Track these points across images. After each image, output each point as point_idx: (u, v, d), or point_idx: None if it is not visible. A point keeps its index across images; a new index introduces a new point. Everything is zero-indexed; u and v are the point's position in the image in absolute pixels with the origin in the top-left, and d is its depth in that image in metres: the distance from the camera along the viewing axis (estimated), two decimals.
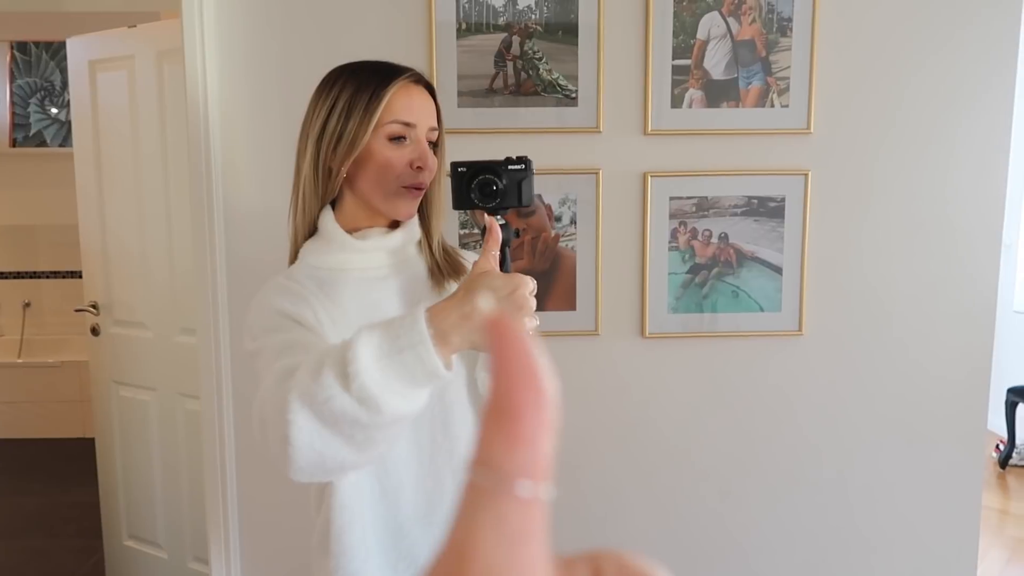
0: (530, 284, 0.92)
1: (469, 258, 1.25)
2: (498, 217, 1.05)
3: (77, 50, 2.58)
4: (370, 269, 1.14)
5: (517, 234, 1.24)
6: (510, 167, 1.04)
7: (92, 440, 2.81)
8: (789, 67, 1.91)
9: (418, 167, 1.10)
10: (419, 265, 1.18)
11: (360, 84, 1.08)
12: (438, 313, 0.84)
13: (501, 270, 1.02)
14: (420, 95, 1.12)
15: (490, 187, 1.03)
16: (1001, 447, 4.14)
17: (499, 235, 0.98)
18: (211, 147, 1.94)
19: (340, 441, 0.84)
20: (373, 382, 0.79)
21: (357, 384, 0.79)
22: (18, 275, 4.78)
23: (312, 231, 1.15)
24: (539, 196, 1.91)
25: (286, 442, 0.84)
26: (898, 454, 2.06)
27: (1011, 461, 4.09)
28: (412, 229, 1.17)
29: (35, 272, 4.77)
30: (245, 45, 1.92)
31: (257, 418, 0.93)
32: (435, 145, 1.15)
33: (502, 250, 1.03)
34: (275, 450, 0.87)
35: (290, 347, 0.97)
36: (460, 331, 0.83)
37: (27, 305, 4.78)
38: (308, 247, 1.14)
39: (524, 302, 0.90)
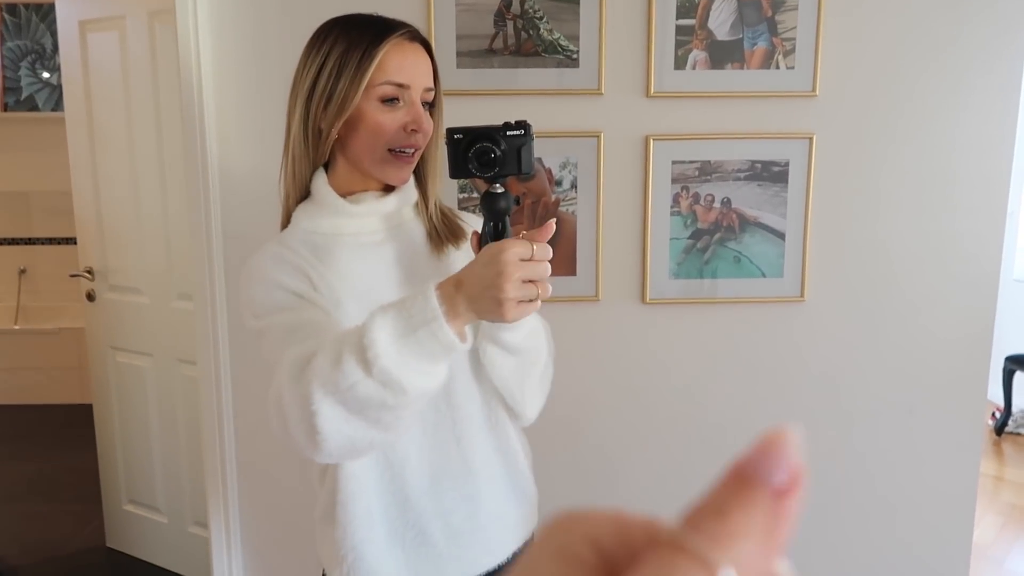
0: (548, 252, 0.89)
1: (468, 220, 1.22)
2: (497, 185, 1.01)
3: (66, 10, 2.52)
4: (364, 234, 1.11)
5: (518, 202, 1.21)
6: (508, 133, 1.00)
7: (90, 406, 2.81)
8: (795, 27, 1.87)
9: (412, 130, 1.06)
10: (416, 229, 1.15)
11: (352, 41, 1.04)
12: (449, 289, 0.85)
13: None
14: (415, 53, 1.07)
15: (488, 155, 0.99)
16: (997, 415, 4.16)
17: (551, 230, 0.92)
18: (204, 108, 1.90)
19: (367, 424, 0.87)
20: (393, 364, 0.81)
21: (378, 368, 0.81)
22: (13, 241, 4.75)
23: (305, 194, 1.12)
24: (539, 160, 1.88)
25: (314, 432, 0.86)
26: (898, 421, 2.06)
27: (1007, 429, 4.12)
28: (408, 192, 1.14)
29: (30, 238, 4.74)
30: (238, 3, 1.87)
31: (275, 407, 0.93)
32: (432, 106, 1.11)
33: (502, 221, 1.00)
34: (302, 440, 0.89)
35: (299, 328, 0.97)
36: (472, 305, 0.85)
37: (23, 272, 4.75)
38: (301, 211, 1.11)
39: (544, 272, 0.88)
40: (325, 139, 1.07)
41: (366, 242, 1.11)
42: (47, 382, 4.51)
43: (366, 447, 0.92)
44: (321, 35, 1.07)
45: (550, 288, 0.90)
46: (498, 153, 0.99)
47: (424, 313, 0.83)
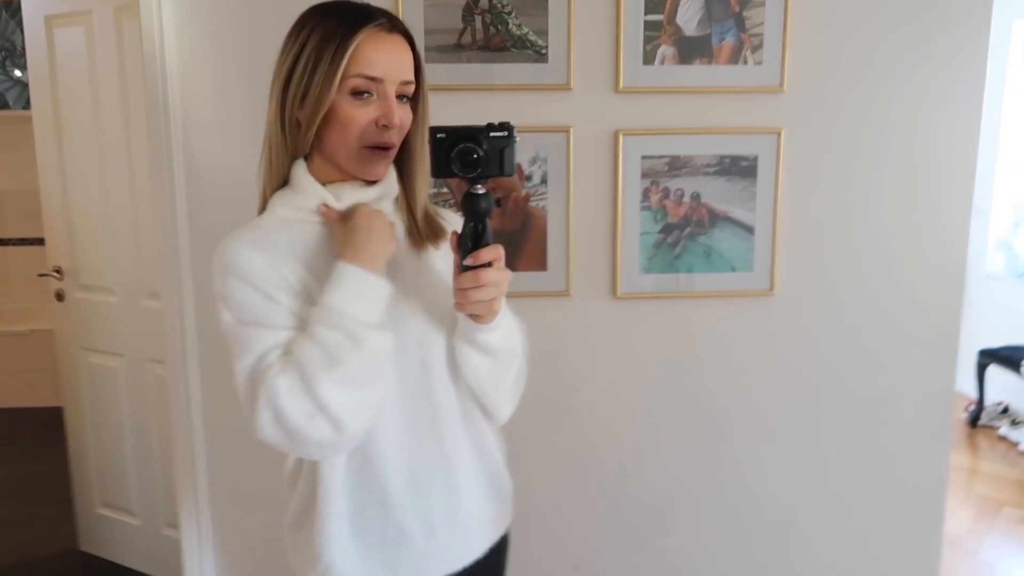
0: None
1: (449, 219, 1.20)
2: (478, 187, 1.00)
3: (33, 4, 2.49)
4: None
5: (498, 203, 1.20)
6: (492, 134, 0.99)
7: (62, 409, 2.77)
8: (763, 23, 1.88)
9: (383, 126, 1.03)
10: (396, 223, 1.12)
11: (326, 32, 1.01)
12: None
13: (481, 243, 1.00)
14: (391, 45, 1.03)
15: (471, 155, 0.98)
16: (971, 408, 4.21)
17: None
18: (170, 104, 1.88)
19: (364, 377, 0.99)
20: (338, 303, 0.98)
21: (332, 312, 0.98)
22: None
23: (282, 184, 1.09)
24: None
25: (334, 421, 0.97)
26: (868, 413, 2.07)
27: (980, 421, 4.17)
28: (389, 185, 1.11)
29: (2, 239, 4.68)
30: None
31: (273, 425, 0.98)
32: (415, 99, 1.08)
33: (482, 222, 1.00)
34: (325, 436, 0.98)
35: (269, 343, 1.00)
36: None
37: None
38: (278, 197, 1.08)
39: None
40: (304, 132, 1.04)
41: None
42: (20, 385, 4.45)
43: (375, 407, 1.03)
44: (299, 24, 1.05)
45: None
46: (481, 154, 0.99)
47: (339, 270, 1.00)
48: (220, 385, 2.02)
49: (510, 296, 1.09)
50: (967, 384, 4.18)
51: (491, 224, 1.01)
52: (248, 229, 1.06)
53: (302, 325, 1.01)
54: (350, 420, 0.98)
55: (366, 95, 1.03)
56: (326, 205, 1.07)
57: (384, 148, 1.05)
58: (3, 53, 4.49)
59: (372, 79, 1.02)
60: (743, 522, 2.11)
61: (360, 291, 0.99)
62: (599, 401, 2.04)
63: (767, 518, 2.11)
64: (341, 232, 1.04)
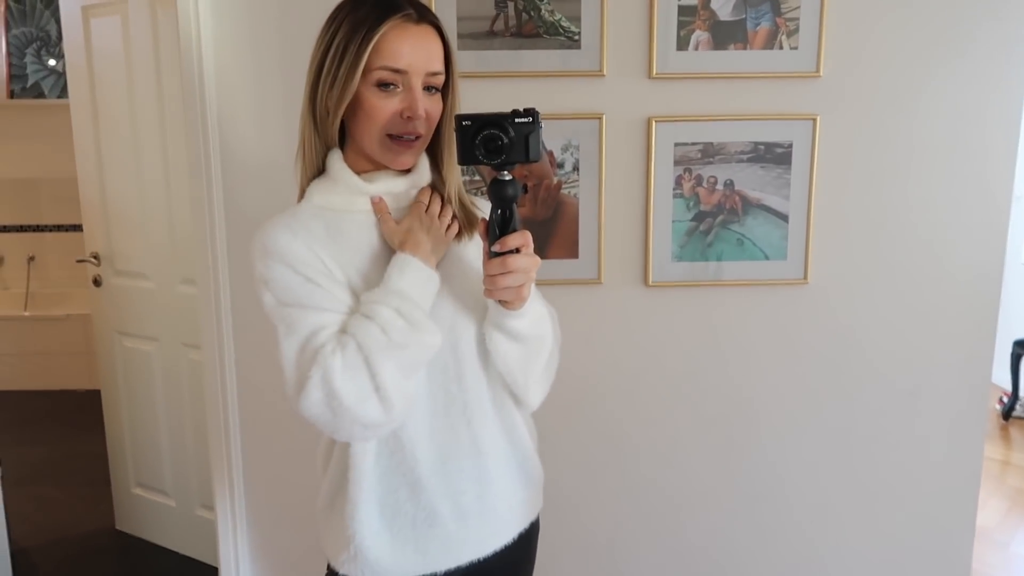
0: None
1: (484, 208, 1.20)
2: (504, 173, 1.01)
3: None
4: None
5: (525, 189, 1.21)
6: (517, 120, 1.00)
7: (99, 391, 2.83)
8: (799, 7, 1.85)
9: (408, 117, 1.04)
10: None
11: (355, 23, 1.02)
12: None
13: (508, 229, 1.01)
14: (417, 37, 1.04)
15: (495, 142, 1.00)
16: (1005, 399, 4.14)
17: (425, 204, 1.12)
18: (206, 92, 1.90)
19: (409, 353, 1.03)
20: (397, 285, 1.03)
21: (407, 302, 1.03)
22: (22, 228, 4.78)
23: (318, 172, 1.12)
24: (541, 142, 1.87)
25: (390, 410, 1.01)
26: (902, 404, 2.05)
27: (1015, 413, 4.10)
28: (421, 174, 1.13)
29: (39, 225, 4.77)
30: None
31: (323, 402, 1.00)
32: (444, 89, 1.09)
33: (509, 208, 1.01)
34: (372, 414, 1.01)
35: (317, 323, 1.03)
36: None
37: (31, 259, 4.78)
38: (315, 186, 1.11)
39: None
40: (331, 122, 1.06)
41: (376, 220, 1.11)
42: (56, 368, 4.55)
43: (415, 396, 1.07)
44: (333, 15, 1.07)
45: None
46: (505, 140, 1.00)
47: (401, 259, 1.06)
48: (254, 369, 2.05)
49: (542, 284, 1.10)
50: (1001, 375, 4.11)
51: (521, 212, 1.02)
52: (285, 216, 1.09)
53: (343, 308, 1.04)
54: (400, 403, 1.01)
55: (391, 87, 1.04)
56: (379, 197, 1.10)
57: (409, 138, 1.06)
58: (38, 43, 4.56)
59: (397, 71, 1.03)
60: (772, 513, 2.11)
61: (421, 281, 1.04)
62: (631, 389, 2.04)
63: (797, 508, 2.10)
64: (397, 225, 1.09)
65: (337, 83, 1.03)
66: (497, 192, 1.01)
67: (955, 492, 2.10)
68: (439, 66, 1.07)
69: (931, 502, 2.10)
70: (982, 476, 2.12)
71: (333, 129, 1.07)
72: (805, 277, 1.97)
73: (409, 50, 1.03)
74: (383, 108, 1.04)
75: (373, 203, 1.11)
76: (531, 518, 1.25)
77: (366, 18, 1.02)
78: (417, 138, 1.07)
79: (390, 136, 1.06)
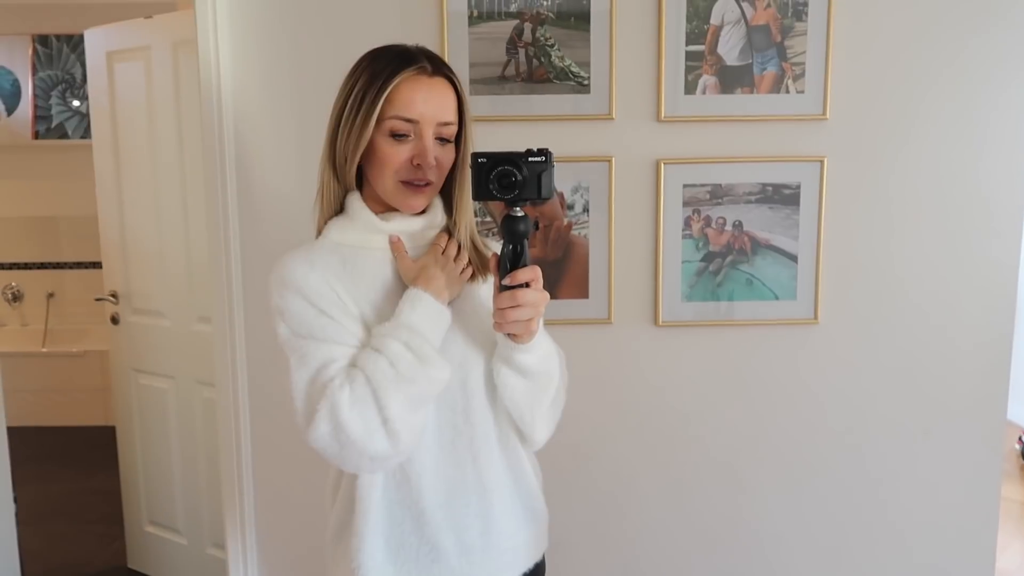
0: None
1: (495, 249, 1.24)
2: (516, 209, 1.05)
3: (95, 41, 2.61)
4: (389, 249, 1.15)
5: (537, 226, 1.24)
6: (530, 159, 1.04)
7: (114, 428, 2.85)
8: (804, 52, 1.89)
9: (417, 164, 1.09)
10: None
11: (372, 74, 1.08)
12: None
13: (519, 264, 1.04)
14: (430, 88, 1.09)
15: (509, 178, 1.03)
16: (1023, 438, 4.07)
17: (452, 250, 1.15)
18: (224, 136, 1.95)
19: (418, 387, 1.04)
20: (408, 319, 1.06)
21: (417, 337, 1.05)
22: (42, 266, 4.86)
23: (338, 212, 1.16)
24: None
25: (389, 425, 1.02)
26: (915, 444, 2.03)
27: None
28: (435, 215, 1.17)
29: (59, 263, 4.85)
30: (258, 35, 1.93)
31: (330, 436, 1.02)
32: (457, 138, 1.13)
33: (520, 243, 1.04)
34: (379, 446, 1.02)
35: (329, 356, 1.05)
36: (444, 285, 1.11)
37: (51, 295, 4.85)
38: (333, 224, 1.15)
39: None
40: (349, 167, 1.11)
41: (391, 257, 1.15)
42: (72, 404, 4.59)
43: (423, 430, 1.08)
44: (355, 66, 1.12)
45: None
46: (519, 177, 1.03)
47: (413, 294, 1.08)
48: (267, 407, 2.06)
49: (553, 324, 1.12)
50: (1020, 413, 4.05)
51: (532, 252, 1.05)
52: (303, 250, 1.13)
53: (355, 341, 1.07)
54: (407, 436, 1.03)
55: (404, 136, 1.09)
56: (397, 236, 1.14)
57: (420, 183, 1.10)
58: (63, 85, 4.69)
59: (408, 120, 1.08)
60: (782, 558, 2.08)
61: (432, 316, 1.07)
62: (640, 429, 2.03)
63: (812, 549, 2.08)
64: (413, 263, 1.13)
65: (354, 131, 1.08)
66: (509, 227, 1.04)
67: (972, 535, 2.06)
68: (451, 117, 1.11)
69: (947, 546, 2.07)
70: (1002, 518, 2.08)
71: (351, 174, 1.12)
72: (815, 317, 1.97)
73: (421, 101, 1.08)
74: (395, 155, 1.09)
75: (391, 241, 1.14)
76: (536, 558, 1.25)
77: (382, 70, 1.07)
78: (428, 184, 1.11)
79: (403, 182, 1.10)
